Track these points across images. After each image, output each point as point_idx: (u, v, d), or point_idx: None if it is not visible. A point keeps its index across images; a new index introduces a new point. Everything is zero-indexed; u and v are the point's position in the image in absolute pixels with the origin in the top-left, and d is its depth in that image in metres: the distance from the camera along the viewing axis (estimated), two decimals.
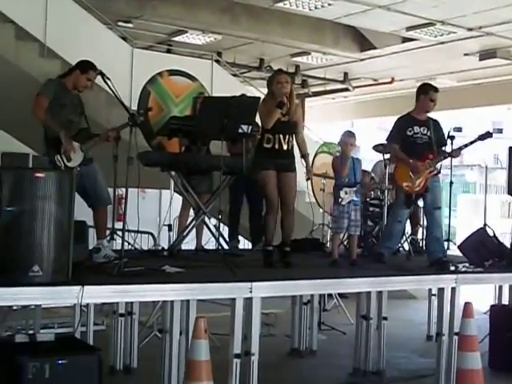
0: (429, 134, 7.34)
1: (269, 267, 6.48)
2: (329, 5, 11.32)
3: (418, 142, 7.38)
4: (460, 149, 7.36)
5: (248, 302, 5.41)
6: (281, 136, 6.62)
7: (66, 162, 6.25)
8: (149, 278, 5.24)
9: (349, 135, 7.34)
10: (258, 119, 6.88)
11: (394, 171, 7.66)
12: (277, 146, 6.61)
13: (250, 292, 5.35)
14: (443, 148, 7.43)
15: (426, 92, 7.44)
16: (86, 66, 6.55)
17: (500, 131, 32.58)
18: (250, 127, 6.81)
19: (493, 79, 16.13)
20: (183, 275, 5.66)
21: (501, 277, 7.34)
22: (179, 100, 8.79)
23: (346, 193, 7.09)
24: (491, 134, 7.35)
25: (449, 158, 7.51)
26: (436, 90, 7.49)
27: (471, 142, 7.34)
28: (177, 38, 13.85)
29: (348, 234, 7.49)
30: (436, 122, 7.49)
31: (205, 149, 8.03)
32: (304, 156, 6.87)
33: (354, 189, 7.15)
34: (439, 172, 7.50)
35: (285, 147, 6.64)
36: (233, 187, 8.28)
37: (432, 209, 7.38)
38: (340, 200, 7.10)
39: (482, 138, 7.32)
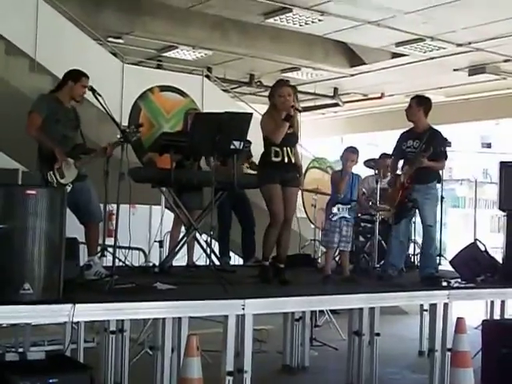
0: (418, 147, 7.35)
1: (266, 283, 6.39)
2: (319, 20, 11.35)
3: (408, 156, 7.44)
4: (420, 156, 7.26)
5: (240, 318, 5.38)
6: (288, 149, 6.58)
7: (58, 178, 6.20)
8: (140, 296, 5.22)
9: (352, 151, 7.38)
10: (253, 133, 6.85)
11: None
12: (286, 160, 6.57)
13: (243, 309, 5.32)
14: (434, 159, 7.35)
15: None
16: (77, 75, 6.50)
17: (489, 146, 32.77)
18: (242, 143, 6.80)
19: (482, 94, 16.20)
20: (175, 292, 5.63)
21: (493, 292, 7.35)
22: (170, 116, 8.76)
23: (338, 209, 7.10)
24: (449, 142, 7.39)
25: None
26: (414, 99, 7.56)
27: (426, 149, 7.27)
28: (167, 54, 13.85)
29: (339, 250, 7.48)
30: (433, 133, 7.43)
31: (196, 164, 8.01)
32: (298, 167, 6.84)
33: (348, 206, 7.16)
34: (429, 181, 7.43)
35: (292, 160, 6.62)
36: (219, 204, 8.29)
37: (424, 226, 7.40)
38: (331, 216, 7.11)
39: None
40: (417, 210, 7.56)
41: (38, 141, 6.30)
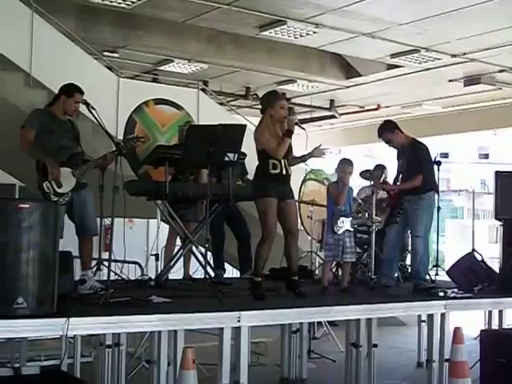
0: (401, 164, 7.61)
1: (259, 300, 6.21)
2: (314, 33, 11.37)
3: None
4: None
5: (236, 331, 5.35)
6: (285, 161, 6.52)
7: (55, 188, 6.20)
8: (135, 309, 5.19)
9: (347, 163, 7.35)
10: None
11: None
12: (284, 172, 6.49)
13: (238, 321, 5.30)
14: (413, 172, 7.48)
15: None
16: (70, 90, 6.51)
17: (486, 156, 32.80)
18: (236, 155, 6.79)
19: (478, 105, 16.24)
20: (170, 305, 5.61)
21: (490, 302, 7.34)
22: (165, 129, 8.75)
23: (342, 222, 7.09)
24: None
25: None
26: (382, 131, 7.89)
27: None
28: (163, 67, 13.88)
29: (342, 261, 7.44)
30: (412, 148, 7.58)
31: (192, 178, 7.98)
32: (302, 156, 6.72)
33: (350, 218, 7.16)
34: (420, 192, 7.45)
35: (289, 172, 6.56)
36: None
37: (411, 236, 7.45)
38: (337, 229, 7.07)
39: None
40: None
41: (30, 155, 6.33)
